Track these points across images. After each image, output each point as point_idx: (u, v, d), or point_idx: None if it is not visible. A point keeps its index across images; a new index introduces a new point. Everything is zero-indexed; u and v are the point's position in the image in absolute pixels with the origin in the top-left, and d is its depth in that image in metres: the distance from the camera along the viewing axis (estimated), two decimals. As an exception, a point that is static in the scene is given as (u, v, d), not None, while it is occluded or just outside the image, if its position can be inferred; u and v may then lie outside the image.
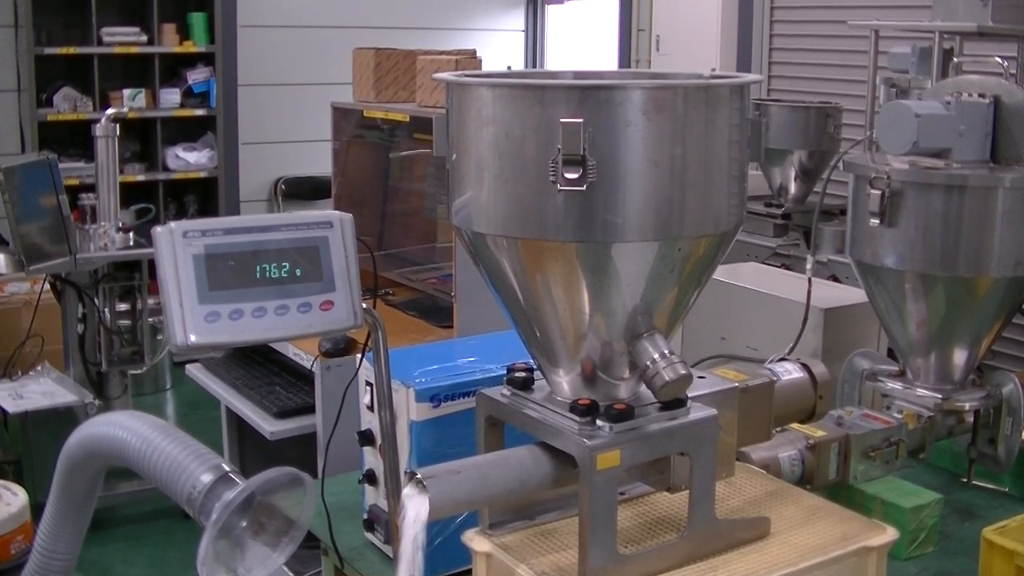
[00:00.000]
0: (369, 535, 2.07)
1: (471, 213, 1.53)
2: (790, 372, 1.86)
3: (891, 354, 2.47)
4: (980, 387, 2.27)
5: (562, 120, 1.39)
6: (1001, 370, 2.26)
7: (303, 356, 3.23)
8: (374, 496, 2.05)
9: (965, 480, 2.31)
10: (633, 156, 1.42)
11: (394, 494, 1.79)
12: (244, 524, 1.51)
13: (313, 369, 3.12)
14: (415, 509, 1.44)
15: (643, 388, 1.60)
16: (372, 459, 2.04)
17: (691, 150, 1.46)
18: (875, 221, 2.16)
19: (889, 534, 1.71)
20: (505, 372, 1.74)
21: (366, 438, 2.03)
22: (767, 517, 1.69)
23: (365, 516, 2.07)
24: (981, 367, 2.29)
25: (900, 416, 2.20)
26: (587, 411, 1.51)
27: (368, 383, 2.01)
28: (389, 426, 1.78)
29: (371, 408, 2.01)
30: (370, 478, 2.05)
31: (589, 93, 1.41)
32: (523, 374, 1.64)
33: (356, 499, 2.13)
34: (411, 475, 1.47)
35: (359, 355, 1.98)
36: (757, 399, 1.74)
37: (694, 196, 1.48)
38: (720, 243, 1.55)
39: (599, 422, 1.51)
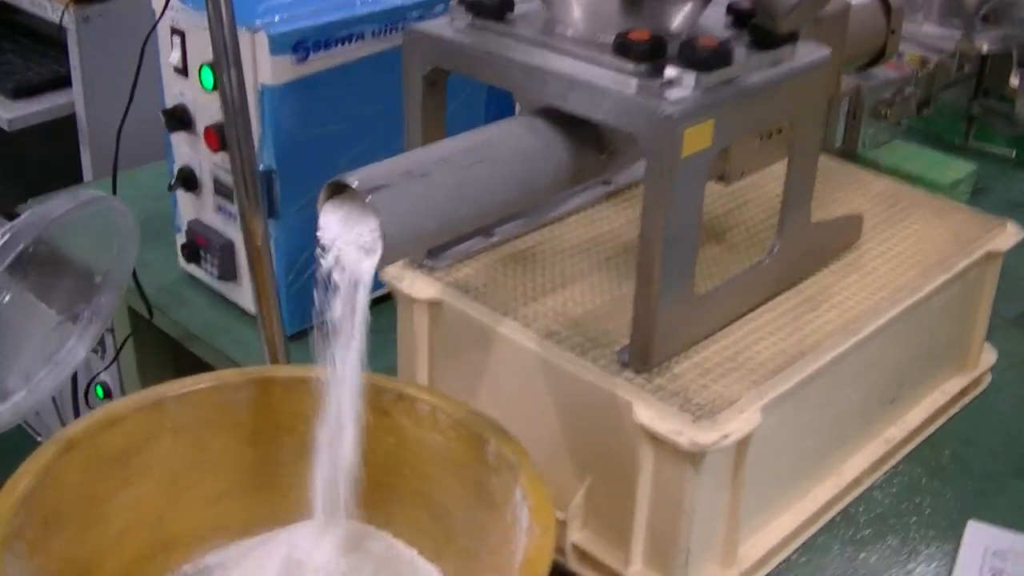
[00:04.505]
0: (191, 267, 1.38)
1: None
2: (855, -6, 1.23)
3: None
4: (996, 24, 1.71)
5: None
6: (1028, -1, 1.70)
7: (45, 5, 2.26)
8: (194, 208, 1.34)
9: (959, 144, 1.79)
10: None
11: (252, 199, 1.09)
12: (9, 297, 0.81)
13: (63, 24, 2.19)
14: (358, 249, 0.77)
15: (704, 19, 0.94)
16: (188, 151, 1.32)
17: None
18: None
19: (1011, 232, 1.16)
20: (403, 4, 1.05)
21: (177, 119, 1.30)
22: (859, 215, 1.10)
23: (183, 239, 1.37)
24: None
25: (905, 60, 1.64)
26: (651, 52, 0.83)
27: (177, 31, 1.26)
28: (237, 97, 1.06)
29: (182, 70, 1.27)
30: (187, 181, 1.32)
31: None
32: (492, -8, 0.94)
33: (159, 211, 1.43)
34: (335, 187, 0.78)
35: (156, -14, 1.22)
36: (830, 32, 1.11)
37: None
38: None
39: (671, 71, 0.84)
